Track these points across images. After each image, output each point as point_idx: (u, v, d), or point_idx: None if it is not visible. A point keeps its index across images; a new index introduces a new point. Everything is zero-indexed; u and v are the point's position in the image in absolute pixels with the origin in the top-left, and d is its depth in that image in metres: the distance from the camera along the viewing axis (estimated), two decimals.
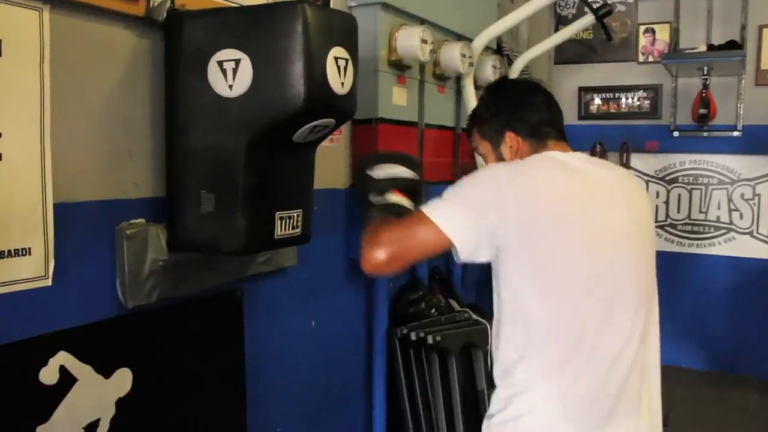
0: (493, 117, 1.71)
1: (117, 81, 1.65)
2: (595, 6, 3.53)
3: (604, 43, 4.97)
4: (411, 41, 2.57)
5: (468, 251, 1.47)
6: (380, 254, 1.44)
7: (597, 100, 5.06)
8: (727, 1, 4.53)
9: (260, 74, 1.60)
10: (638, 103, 4.93)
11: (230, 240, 1.69)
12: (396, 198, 1.67)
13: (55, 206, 1.49)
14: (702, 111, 4.31)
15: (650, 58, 4.85)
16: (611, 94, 5.01)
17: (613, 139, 4.96)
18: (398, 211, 1.63)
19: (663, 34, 4.80)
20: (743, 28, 4.44)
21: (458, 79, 3.20)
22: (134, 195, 1.71)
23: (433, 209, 1.47)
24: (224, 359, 2.01)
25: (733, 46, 4.08)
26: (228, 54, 1.62)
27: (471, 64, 3.00)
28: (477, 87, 3.21)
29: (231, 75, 1.62)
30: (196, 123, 1.68)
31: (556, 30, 5.06)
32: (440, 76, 3.01)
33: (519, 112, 1.68)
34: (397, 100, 2.68)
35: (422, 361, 2.83)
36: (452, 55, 2.90)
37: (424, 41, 2.60)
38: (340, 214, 2.61)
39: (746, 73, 4.40)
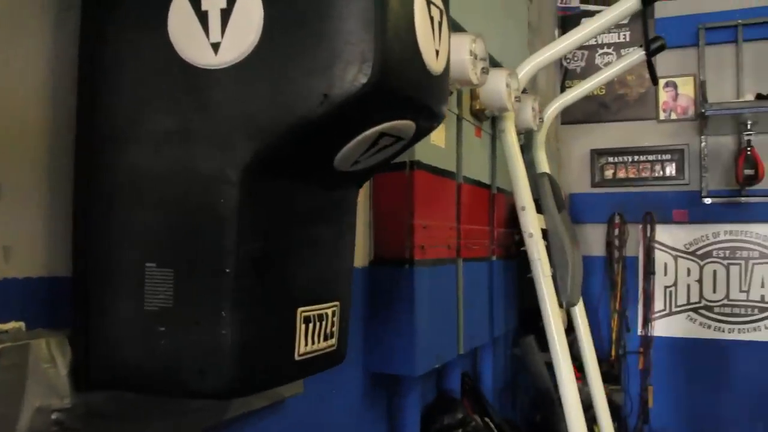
0: None
1: None
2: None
3: (618, 99, 4.40)
4: (458, 54, 1.79)
5: None
6: None
7: (612, 165, 4.41)
8: (756, 52, 4.02)
9: (279, 19, 0.77)
10: (661, 166, 4.29)
11: (206, 371, 0.79)
12: None
13: None
14: (748, 172, 3.66)
15: (672, 116, 4.26)
16: (629, 158, 4.37)
17: (633, 209, 4.29)
18: None
19: (686, 88, 4.23)
20: None
21: (493, 121, 2.44)
22: (1, 273, 0.81)
23: None
24: None
25: None
26: None
27: (518, 100, 2.25)
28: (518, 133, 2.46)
29: (216, 22, 0.78)
30: (142, 122, 0.81)
31: (563, 86, 4.46)
32: (477, 113, 2.24)
33: None
34: (435, 138, 1.87)
35: None
36: (497, 84, 2.15)
37: (473, 56, 1.82)
38: (356, 307, 1.74)
39: None
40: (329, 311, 0.93)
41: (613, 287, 4.36)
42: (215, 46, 0.78)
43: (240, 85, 0.78)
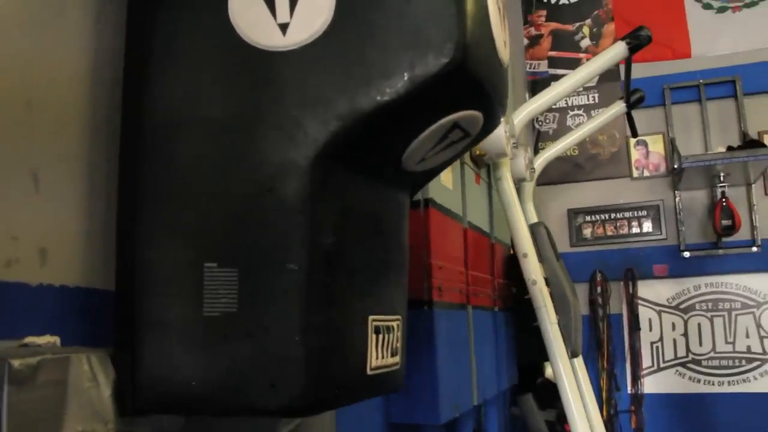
0: None
1: (11, 8, 0.71)
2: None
3: (591, 159, 4.48)
4: None
5: None
6: None
7: (590, 223, 4.44)
8: (720, 109, 4.18)
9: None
10: (638, 223, 4.34)
11: (277, 384, 0.70)
12: None
13: None
14: (726, 222, 3.73)
15: (645, 173, 4.35)
16: (606, 215, 4.41)
17: (614, 266, 4.29)
18: None
19: (656, 146, 4.35)
20: (745, 135, 4.05)
21: (488, 171, 2.43)
22: (36, 278, 0.71)
23: None
24: None
25: (756, 144, 3.61)
26: None
27: (515, 146, 2.25)
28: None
29: (284, 2, 0.74)
30: (198, 109, 0.75)
31: (536, 148, 4.54)
32: (476, 159, 2.23)
33: None
34: (444, 178, 1.84)
35: None
36: (497, 129, 2.13)
37: None
38: None
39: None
40: (395, 324, 0.85)
41: (599, 346, 4.30)
42: (283, 27, 0.73)
43: (312, 66, 0.72)
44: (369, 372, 0.78)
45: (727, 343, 4.06)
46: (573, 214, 4.45)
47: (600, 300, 4.28)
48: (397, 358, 0.86)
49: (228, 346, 0.70)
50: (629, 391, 4.13)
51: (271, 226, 0.71)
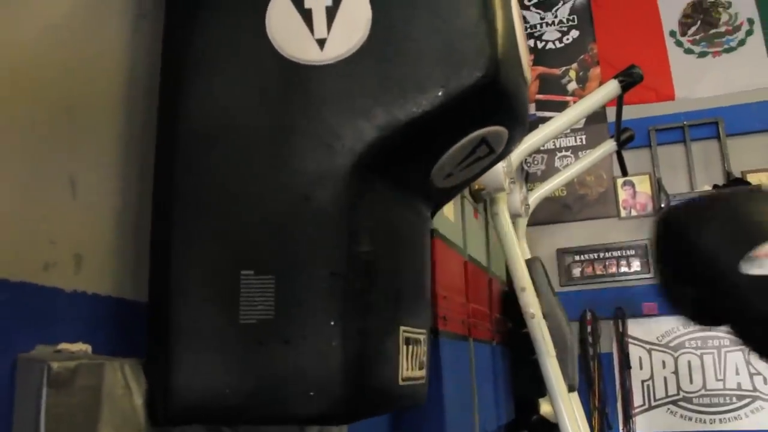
0: None
1: (57, 20, 0.73)
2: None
3: (580, 200, 4.55)
4: None
5: None
6: None
7: (579, 263, 4.48)
8: (704, 149, 4.29)
9: (388, 14, 0.75)
10: (627, 262, 4.39)
11: (314, 391, 0.69)
12: None
13: None
14: None
15: (633, 213, 4.42)
16: (595, 255, 4.45)
17: (604, 305, 4.32)
18: None
19: (643, 186, 4.43)
20: (729, 174, 4.14)
21: (485, 205, 2.46)
22: (71, 284, 0.70)
23: None
24: None
25: (740, 182, 3.70)
26: None
27: (512, 181, 2.28)
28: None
29: (322, 19, 0.76)
30: (236, 120, 0.76)
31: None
32: (475, 194, 2.25)
33: None
34: (446, 211, 1.86)
35: None
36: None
37: None
38: None
39: None
40: (422, 337, 0.85)
41: (590, 384, 4.28)
42: (321, 42, 0.75)
43: (349, 79, 0.74)
44: (401, 382, 0.78)
45: (717, 380, 4.07)
46: (562, 254, 4.49)
47: (590, 339, 4.28)
48: (423, 372, 0.86)
49: (264, 353, 0.70)
50: (621, 430, 4.11)
51: (308, 234, 0.72)
